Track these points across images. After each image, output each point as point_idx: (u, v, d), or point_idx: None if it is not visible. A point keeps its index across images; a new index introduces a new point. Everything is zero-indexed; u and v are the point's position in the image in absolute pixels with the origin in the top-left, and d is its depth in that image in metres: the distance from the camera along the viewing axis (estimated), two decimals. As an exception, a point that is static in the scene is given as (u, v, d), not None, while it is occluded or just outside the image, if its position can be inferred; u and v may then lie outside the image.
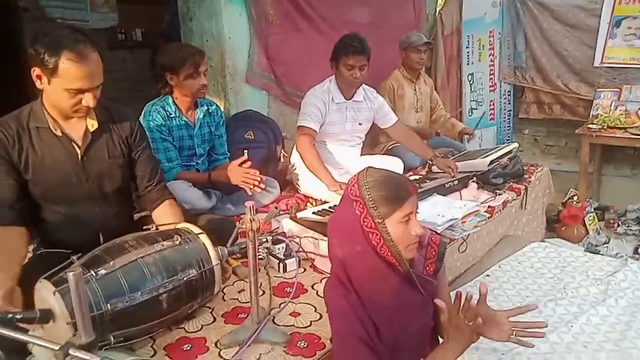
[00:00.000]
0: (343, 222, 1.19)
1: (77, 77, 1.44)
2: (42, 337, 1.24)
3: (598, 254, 3.02)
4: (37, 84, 1.49)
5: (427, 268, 1.26)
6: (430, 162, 2.82)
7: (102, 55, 1.52)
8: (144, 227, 1.72)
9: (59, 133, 1.58)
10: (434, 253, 1.28)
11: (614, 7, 3.91)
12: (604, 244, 3.39)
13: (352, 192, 1.16)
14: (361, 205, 1.13)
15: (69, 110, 1.53)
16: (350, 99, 2.70)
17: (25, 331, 1.23)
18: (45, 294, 1.30)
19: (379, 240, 1.12)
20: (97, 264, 1.34)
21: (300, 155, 2.55)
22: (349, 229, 1.15)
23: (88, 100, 1.49)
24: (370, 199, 1.12)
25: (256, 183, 2.11)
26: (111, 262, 1.35)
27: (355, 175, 1.19)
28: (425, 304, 1.24)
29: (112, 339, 1.28)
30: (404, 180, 1.19)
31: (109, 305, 1.29)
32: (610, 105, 3.88)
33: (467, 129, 3.54)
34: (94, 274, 1.31)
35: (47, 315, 1.26)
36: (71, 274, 0.97)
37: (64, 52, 1.40)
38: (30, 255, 1.75)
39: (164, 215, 1.76)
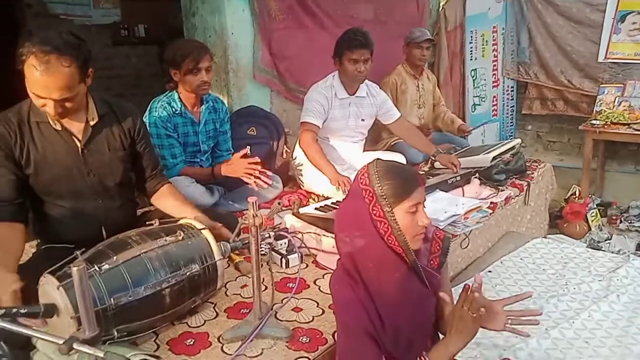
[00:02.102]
0: (352, 212, 1.21)
1: (34, 83, 1.43)
2: (46, 331, 1.25)
3: (600, 250, 3.02)
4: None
5: (432, 262, 1.28)
6: (433, 159, 2.82)
7: (82, 69, 1.48)
8: (146, 223, 1.72)
9: (58, 127, 1.58)
10: (438, 247, 1.30)
11: (618, 2, 3.88)
12: (606, 240, 3.39)
13: (361, 181, 1.18)
14: (370, 194, 1.15)
15: (42, 110, 1.52)
16: (353, 95, 2.69)
17: (29, 326, 1.24)
18: (49, 288, 1.30)
19: (387, 229, 1.15)
20: (100, 258, 1.35)
21: (303, 150, 2.55)
22: (358, 219, 1.18)
23: (49, 108, 1.48)
24: (380, 188, 1.14)
25: (257, 175, 2.11)
26: (114, 257, 1.36)
27: (365, 166, 1.21)
28: (429, 297, 1.26)
29: (115, 333, 1.30)
30: (413, 171, 1.22)
31: (112, 299, 1.30)
32: (614, 101, 3.86)
33: (465, 126, 3.53)
34: (97, 269, 1.31)
35: (51, 310, 1.27)
36: (75, 268, 0.98)
37: (30, 58, 1.40)
38: (34, 250, 1.76)
39: (163, 197, 1.80)
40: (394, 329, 1.19)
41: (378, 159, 1.23)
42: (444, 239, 1.31)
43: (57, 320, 1.28)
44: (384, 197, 1.14)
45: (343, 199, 1.32)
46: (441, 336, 1.34)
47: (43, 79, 1.42)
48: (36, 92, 1.45)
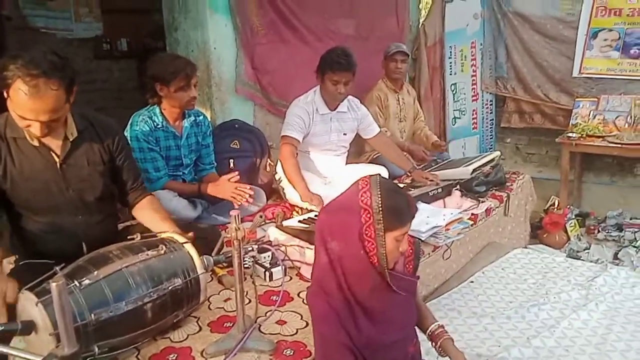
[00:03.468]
0: (342, 223, 1.21)
1: (22, 107, 1.42)
2: (23, 348, 1.23)
3: (579, 259, 3.08)
4: (5, 93, 1.47)
5: (407, 266, 1.33)
6: (409, 174, 2.87)
7: (69, 89, 1.47)
8: (128, 237, 1.71)
9: (36, 143, 1.57)
10: (410, 251, 1.35)
11: (590, 20, 4.02)
12: (585, 249, 3.45)
13: (362, 198, 1.18)
14: (368, 215, 1.17)
15: (24, 129, 1.51)
16: (334, 110, 2.73)
17: (6, 343, 1.21)
18: (27, 305, 1.28)
19: (373, 249, 1.18)
20: (80, 274, 1.33)
21: (281, 164, 2.58)
22: (347, 232, 1.19)
23: (34, 129, 1.47)
24: (379, 212, 1.16)
25: (246, 197, 2.12)
26: (95, 272, 1.34)
27: (366, 180, 1.20)
28: (408, 301, 1.30)
29: (96, 349, 1.27)
30: (412, 202, 1.23)
31: (92, 315, 1.28)
32: (589, 115, 3.97)
33: (440, 142, 3.59)
34: (77, 284, 1.29)
35: (29, 327, 1.24)
36: (54, 284, 0.96)
37: (17, 80, 1.38)
38: (12, 266, 1.73)
39: (143, 210, 1.78)
40: (377, 336, 1.21)
41: (381, 177, 1.23)
42: (414, 244, 1.37)
43: (36, 337, 1.26)
44: (381, 222, 1.16)
45: (331, 210, 1.29)
46: (419, 335, 1.39)
47: (31, 103, 1.40)
48: (22, 114, 1.44)
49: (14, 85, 1.39)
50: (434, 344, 1.40)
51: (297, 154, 2.61)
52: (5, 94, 1.45)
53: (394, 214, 1.16)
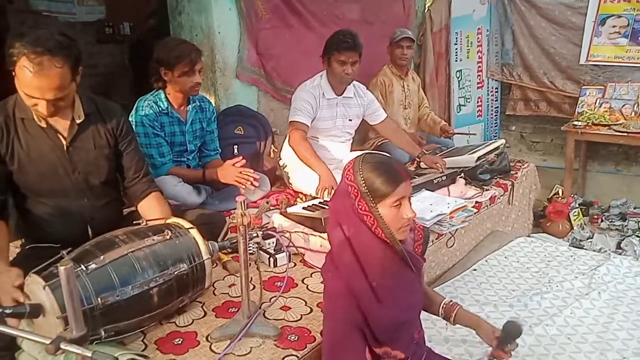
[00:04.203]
0: (340, 207, 1.25)
1: (28, 84, 1.42)
2: (31, 331, 1.24)
3: (582, 248, 3.08)
4: (13, 72, 1.48)
5: (416, 249, 1.35)
6: (418, 160, 2.85)
7: (74, 69, 1.48)
8: (134, 222, 1.71)
9: (43, 125, 1.57)
10: (420, 236, 1.38)
11: (599, 6, 3.96)
12: (588, 238, 3.46)
13: (347, 177, 1.22)
14: (355, 190, 1.19)
15: (32, 109, 1.51)
16: (340, 95, 2.71)
17: (14, 325, 1.23)
18: (34, 288, 1.29)
19: (373, 222, 1.19)
20: (87, 258, 1.34)
21: (293, 150, 2.56)
22: (347, 211, 1.21)
23: (42, 108, 1.48)
24: (364, 185, 1.18)
25: (250, 181, 2.11)
26: (101, 257, 1.35)
27: (351, 161, 1.24)
28: (415, 281, 1.32)
29: (103, 333, 1.29)
30: (397, 167, 1.23)
31: (99, 299, 1.29)
32: (595, 103, 3.94)
33: (448, 127, 3.56)
34: (84, 268, 1.31)
35: (37, 310, 1.26)
36: (62, 268, 0.97)
37: (22, 58, 1.39)
38: (18, 250, 1.74)
39: (149, 207, 1.75)
40: (388, 315, 1.22)
41: (367, 153, 1.25)
42: (424, 229, 1.40)
43: (43, 321, 1.27)
44: (368, 193, 1.18)
45: (333, 195, 1.35)
46: (425, 317, 1.41)
47: (36, 81, 1.41)
48: (29, 92, 1.44)
49: (20, 63, 1.39)
50: (449, 317, 1.40)
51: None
52: (13, 73, 1.45)
53: (378, 183, 1.17)
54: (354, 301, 1.19)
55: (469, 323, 1.39)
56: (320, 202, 2.24)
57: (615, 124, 3.71)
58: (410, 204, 1.22)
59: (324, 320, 1.32)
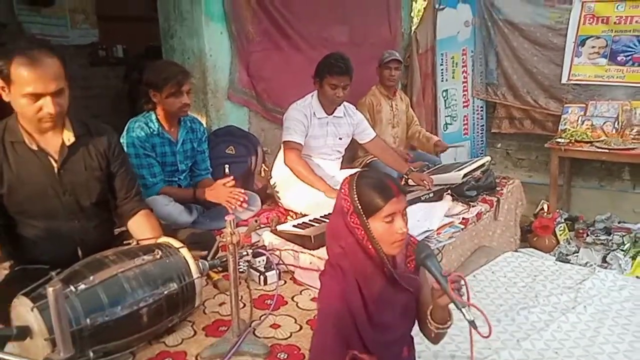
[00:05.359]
0: (335, 223, 1.28)
1: (29, 80, 1.44)
2: (18, 354, 1.23)
3: (568, 263, 3.13)
4: (3, 95, 1.50)
5: (408, 265, 1.35)
6: (406, 177, 2.90)
7: (64, 65, 1.52)
8: (124, 242, 1.72)
9: (34, 147, 1.58)
10: (413, 251, 1.37)
11: (578, 27, 4.11)
12: (574, 253, 3.51)
13: (342, 191, 1.26)
14: (349, 204, 1.23)
15: (35, 120, 1.52)
16: (331, 114, 2.77)
17: (0, 348, 1.22)
18: (22, 310, 1.29)
19: (363, 236, 1.22)
20: (76, 278, 1.35)
21: (291, 169, 2.59)
22: (339, 229, 1.25)
23: (48, 106, 1.48)
24: (357, 199, 1.22)
25: (240, 202, 2.14)
26: (91, 277, 1.35)
27: (348, 176, 1.29)
28: (411, 299, 1.32)
29: (91, 354, 1.28)
30: (390, 184, 1.25)
31: (88, 320, 1.29)
32: (577, 120, 4.05)
33: (442, 142, 3.63)
34: (73, 289, 1.31)
35: (24, 332, 1.25)
36: (50, 289, 0.97)
37: (15, 57, 1.43)
38: (7, 272, 1.73)
39: (139, 225, 1.77)
40: (371, 334, 1.23)
41: (365, 170, 1.30)
42: (417, 243, 1.37)
43: (31, 343, 1.27)
44: (360, 208, 1.21)
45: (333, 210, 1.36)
46: (415, 333, 1.39)
47: (35, 73, 1.44)
48: (32, 89, 1.45)
49: (14, 64, 1.43)
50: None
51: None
52: (6, 90, 1.47)
53: (369, 199, 1.20)
54: (346, 303, 1.21)
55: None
56: (310, 220, 2.26)
57: (597, 141, 3.80)
58: (405, 221, 1.24)
59: (316, 322, 1.33)
